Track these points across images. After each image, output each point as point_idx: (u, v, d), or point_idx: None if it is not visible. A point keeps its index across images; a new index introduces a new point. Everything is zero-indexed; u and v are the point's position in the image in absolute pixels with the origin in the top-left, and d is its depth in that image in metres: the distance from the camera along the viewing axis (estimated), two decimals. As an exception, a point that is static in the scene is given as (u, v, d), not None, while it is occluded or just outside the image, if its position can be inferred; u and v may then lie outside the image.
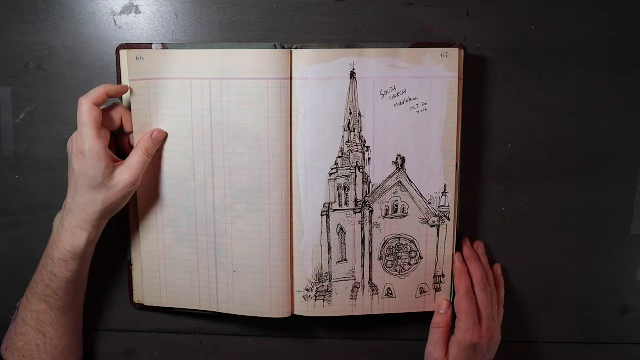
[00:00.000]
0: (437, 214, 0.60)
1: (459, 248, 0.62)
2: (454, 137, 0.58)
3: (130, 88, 0.57)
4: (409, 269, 0.61)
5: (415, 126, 0.58)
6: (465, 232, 0.62)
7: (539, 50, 0.61)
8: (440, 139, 0.58)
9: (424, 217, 0.60)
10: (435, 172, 0.59)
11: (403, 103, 0.57)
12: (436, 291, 0.61)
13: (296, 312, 0.61)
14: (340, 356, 0.67)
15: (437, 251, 0.60)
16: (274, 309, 0.60)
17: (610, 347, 0.66)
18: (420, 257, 0.61)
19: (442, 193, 0.59)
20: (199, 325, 0.66)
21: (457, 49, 0.56)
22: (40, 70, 0.62)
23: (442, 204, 0.59)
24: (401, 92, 0.57)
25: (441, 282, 0.61)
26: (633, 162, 0.63)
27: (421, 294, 0.61)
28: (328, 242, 0.59)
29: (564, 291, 0.65)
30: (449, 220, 0.60)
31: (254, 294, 0.60)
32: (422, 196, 0.59)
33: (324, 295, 0.60)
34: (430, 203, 0.59)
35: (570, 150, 0.63)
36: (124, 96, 0.59)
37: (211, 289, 0.61)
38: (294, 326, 0.65)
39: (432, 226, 0.60)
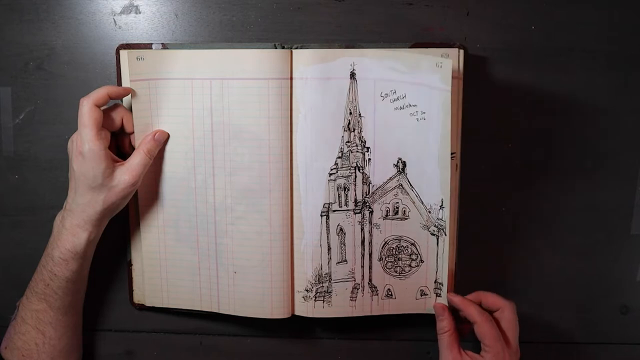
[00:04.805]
0: (436, 224, 0.59)
1: (459, 259, 0.61)
2: (448, 153, 0.56)
3: (132, 90, 0.57)
4: (410, 270, 0.61)
5: (415, 133, 0.57)
6: (465, 233, 0.62)
7: (539, 50, 0.61)
8: (437, 152, 0.57)
9: (424, 224, 0.59)
10: (433, 184, 0.58)
11: (403, 108, 0.57)
12: (437, 295, 0.61)
13: (296, 312, 0.61)
14: (340, 356, 0.67)
15: (437, 259, 0.60)
16: (275, 310, 0.60)
17: (610, 347, 0.66)
18: (422, 260, 0.60)
19: (440, 207, 0.58)
20: (199, 326, 0.66)
21: (450, 60, 0.54)
22: (40, 70, 0.62)
23: (439, 216, 0.59)
24: (401, 97, 0.57)
25: (441, 289, 0.60)
26: (633, 162, 0.63)
27: (421, 295, 0.61)
28: (328, 242, 0.59)
29: (564, 291, 0.65)
30: (446, 235, 0.59)
31: (254, 294, 0.60)
32: (422, 203, 0.59)
33: (324, 296, 0.60)
34: (430, 212, 0.59)
35: (570, 150, 0.63)
36: (124, 96, 0.59)
37: (212, 290, 0.61)
38: (294, 326, 0.65)
39: (433, 234, 0.59)
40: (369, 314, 0.61)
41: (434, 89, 0.55)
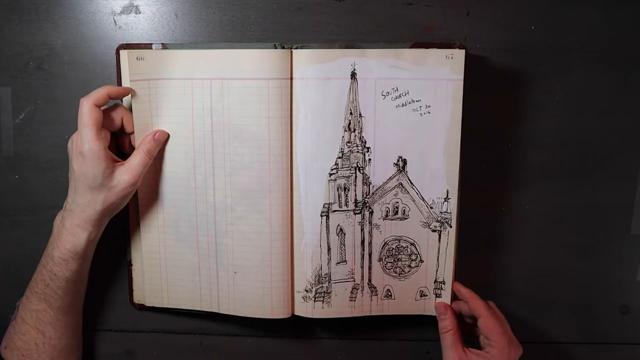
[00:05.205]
0: (439, 219, 0.59)
1: (458, 259, 0.61)
2: (458, 141, 0.57)
3: (132, 89, 0.57)
4: (409, 271, 0.61)
5: (417, 128, 0.57)
6: (465, 232, 0.62)
7: (539, 50, 0.61)
8: (443, 142, 0.57)
9: (425, 221, 0.59)
10: (438, 176, 0.58)
11: (405, 105, 0.57)
12: (437, 296, 0.61)
13: (296, 313, 0.61)
14: (340, 356, 0.67)
15: (438, 256, 0.60)
16: (275, 310, 0.60)
17: (610, 347, 0.66)
18: (421, 260, 0.60)
19: (445, 199, 0.59)
20: (199, 326, 0.66)
21: (462, 51, 0.55)
22: (40, 70, 0.62)
23: (444, 209, 0.59)
24: (404, 94, 0.57)
25: (442, 289, 0.61)
26: (633, 162, 0.63)
27: (421, 297, 0.61)
28: (327, 242, 0.59)
29: (564, 291, 0.65)
30: (451, 227, 0.59)
31: (254, 294, 0.60)
32: (423, 199, 0.59)
33: (323, 297, 0.60)
34: (432, 207, 0.59)
35: (570, 150, 0.63)
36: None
37: (212, 290, 0.61)
38: (294, 326, 0.65)
39: (434, 231, 0.60)
40: (368, 314, 0.61)
41: (442, 80, 0.56)
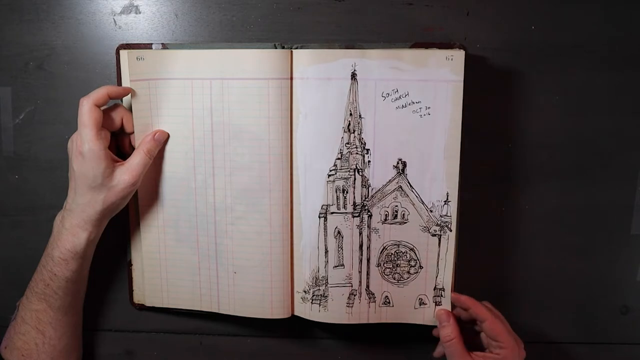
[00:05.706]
0: (439, 222, 0.59)
1: (458, 259, 0.60)
2: (458, 143, 0.57)
3: (132, 89, 0.57)
4: (408, 277, 0.60)
5: (417, 130, 0.57)
6: (465, 233, 0.62)
7: (539, 50, 0.61)
8: (443, 144, 0.57)
9: (425, 225, 0.59)
10: (438, 178, 0.58)
11: (405, 106, 0.57)
12: (436, 304, 0.60)
13: (296, 313, 0.61)
14: (340, 356, 0.67)
15: (437, 262, 0.59)
16: (275, 310, 0.60)
17: (610, 347, 0.66)
18: (420, 267, 0.60)
19: (444, 202, 0.58)
20: (199, 326, 0.66)
21: (462, 52, 0.55)
22: (40, 70, 0.62)
23: (443, 212, 0.58)
24: (404, 95, 0.56)
25: (442, 296, 0.60)
26: (633, 162, 0.63)
27: (420, 305, 0.61)
28: (325, 245, 0.59)
29: (564, 291, 0.65)
30: (451, 231, 0.59)
31: (254, 294, 0.60)
32: (423, 203, 0.58)
33: (320, 300, 0.60)
34: (431, 211, 0.59)
35: (570, 150, 0.63)
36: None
37: (212, 290, 0.61)
38: (294, 326, 0.65)
39: (433, 235, 0.59)
40: (365, 321, 0.60)
41: (442, 82, 0.56)
